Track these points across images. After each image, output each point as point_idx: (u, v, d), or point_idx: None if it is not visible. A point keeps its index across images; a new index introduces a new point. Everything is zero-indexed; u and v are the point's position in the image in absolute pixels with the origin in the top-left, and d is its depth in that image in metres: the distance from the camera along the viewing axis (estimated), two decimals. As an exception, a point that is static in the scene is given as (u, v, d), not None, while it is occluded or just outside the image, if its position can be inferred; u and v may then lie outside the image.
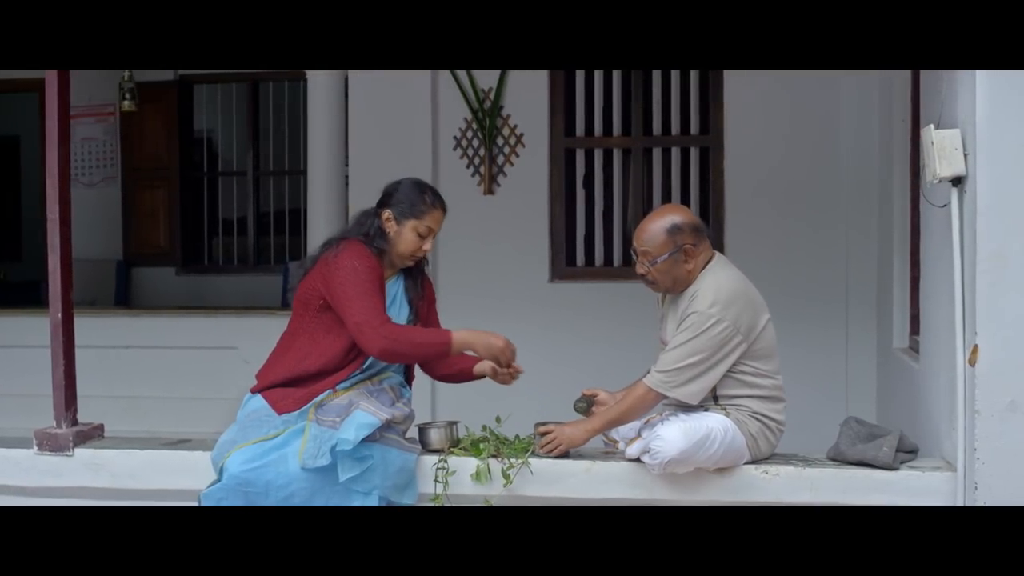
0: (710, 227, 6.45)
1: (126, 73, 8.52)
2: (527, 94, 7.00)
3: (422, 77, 6.93)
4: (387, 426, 3.59)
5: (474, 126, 7.03)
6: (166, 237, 9.55)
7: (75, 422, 4.06)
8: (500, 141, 7.02)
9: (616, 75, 7.11)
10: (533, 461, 3.70)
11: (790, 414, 3.76)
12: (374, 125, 7.01)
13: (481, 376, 3.89)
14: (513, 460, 3.69)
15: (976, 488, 3.40)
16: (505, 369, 3.79)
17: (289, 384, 3.66)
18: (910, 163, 5.30)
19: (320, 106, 6.96)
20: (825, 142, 6.65)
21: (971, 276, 3.41)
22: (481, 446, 3.78)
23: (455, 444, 3.83)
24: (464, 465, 3.74)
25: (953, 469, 3.52)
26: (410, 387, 3.91)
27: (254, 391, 3.72)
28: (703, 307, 3.54)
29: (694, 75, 7.02)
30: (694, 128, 7.04)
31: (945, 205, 3.59)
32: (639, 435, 3.68)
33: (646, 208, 7.06)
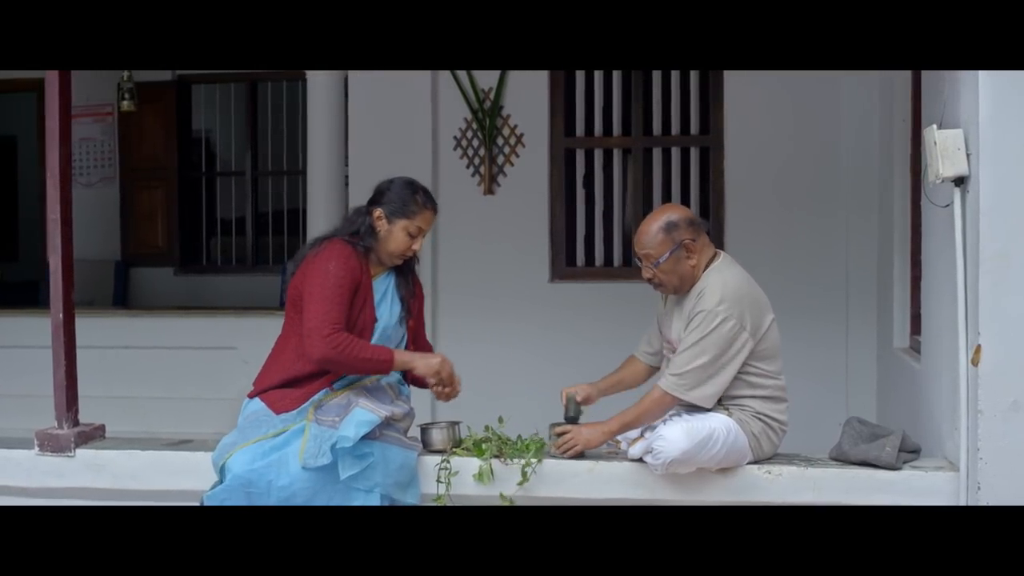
0: (710, 227, 6.45)
1: (125, 73, 8.51)
2: (527, 94, 6.99)
3: (422, 77, 6.92)
4: (387, 424, 3.60)
5: (474, 126, 7.02)
6: (164, 237, 9.53)
7: (76, 423, 4.06)
8: (500, 141, 7.01)
9: (616, 75, 7.11)
10: (534, 461, 3.70)
11: (790, 414, 3.76)
12: (374, 125, 7.01)
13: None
14: (530, 459, 3.68)
15: (979, 488, 3.41)
16: (441, 388, 3.78)
17: (285, 386, 3.67)
18: (910, 163, 5.30)
19: (320, 106, 6.95)
20: (825, 142, 6.65)
21: (974, 276, 3.41)
22: (483, 446, 3.77)
23: (457, 444, 3.83)
24: (466, 465, 3.74)
25: (956, 469, 3.53)
26: (408, 385, 3.90)
27: (251, 396, 3.73)
28: (710, 305, 3.54)
29: (694, 75, 7.02)
30: (694, 128, 7.04)
31: (948, 205, 3.59)
32: (642, 435, 3.68)
33: (646, 208, 7.05)
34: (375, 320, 3.71)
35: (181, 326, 7.36)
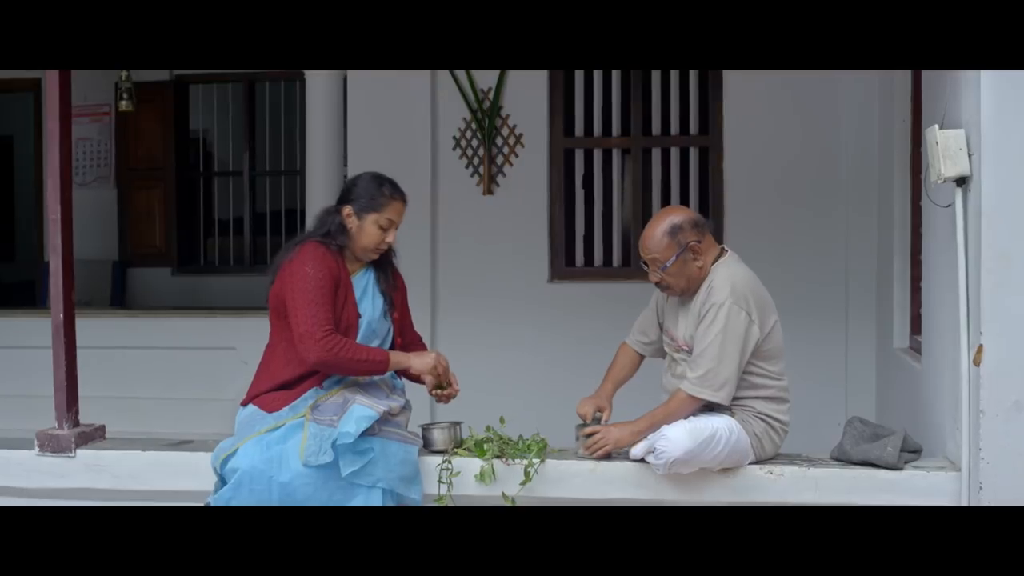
0: (713, 225, 6.45)
1: (123, 73, 8.50)
2: (526, 94, 6.99)
3: (421, 77, 6.92)
4: (385, 419, 3.61)
5: (473, 126, 7.02)
6: (162, 238, 9.53)
7: (76, 423, 4.05)
8: (499, 141, 7.01)
9: (615, 75, 7.11)
10: (537, 462, 3.70)
11: (790, 414, 3.76)
12: (373, 125, 7.01)
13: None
14: (533, 459, 3.68)
15: (981, 488, 3.41)
16: (440, 391, 3.80)
17: (275, 390, 3.68)
18: (910, 163, 5.30)
19: (319, 106, 6.95)
20: (825, 142, 6.65)
21: (975, 276, 3.41)
22: (485, 447, 3.77)
23: (458, 445, 3.83)
24: (468, 466, 3.73)
25: (958, 469, 3.53)
26: (401, 378, 3.91)
27: (244, 403, 3.74)
28: (721, 298, 3.54)
29: (693, 75, 7.02)
30: (693, 128, 7.04)
31: (949, 205, 3.59)
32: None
33: (645, 208, 7.07)
34: (359, 316, 3.72)
35: (180, 326, 7.36)
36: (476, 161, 7.03)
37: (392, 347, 3.83)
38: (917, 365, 4.59)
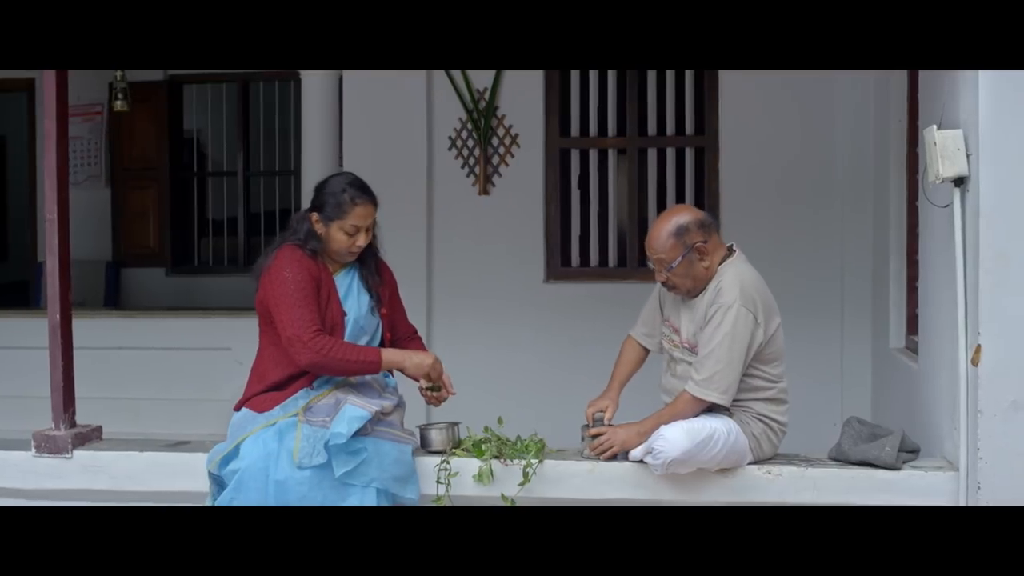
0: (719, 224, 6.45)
1: (118, 73, 8.48)
2: (522, 94, 6.98)
3: (417, 77, 6.91)
4: (377, 419, 3.61)
5: (469, 126, 7.01)
6: (156, 238, 9.50)
7: (73, 424, 4.04)
8: (495, 141, 7.00)
9: (611, 75, 7.11)
10: (535, 462, 3.69)
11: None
12: (368, 125, 6.99)
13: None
14: (531, 459, 3.68)
15: (979, 488, 3.42)
16: (432, 393, 3.80)
17: (266, 392, 3.69)
18: (906, 163, 5.31)
19: (314, 106, 6.94)
20: (821, 142, 6.65)
21: (973, 276, 3.42)
22: (483, 447, 3.77)
23: (456, 445, 3.82)
24: (466, 466, 3.73)
25: (956, 469, 3.53)
26: (393, 375, 3.90)
27: (237, 408, 3.74)
28: (730, 300, 3.53)
29: (689, 75, 7.01)
30: (689, 128, 7.04)
31: (947, 205, 3.60)
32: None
33: (641, 209, 7.07)
34: (344, 315, 3.71)
35: (175, 327, 7.33)
36: (472, 161, 7.03)
37: (381, 343, 3.83)
38: (914, 365, 4.60)
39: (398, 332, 3.94)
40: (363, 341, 3.74)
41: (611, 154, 7.19)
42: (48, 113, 3.96)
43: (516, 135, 7.00)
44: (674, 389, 3.68)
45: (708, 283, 3.64)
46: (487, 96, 6.99)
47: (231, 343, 6.79)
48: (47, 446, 3.95)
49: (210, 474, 3.67)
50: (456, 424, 3.90)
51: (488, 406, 4.06)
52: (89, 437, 4.06)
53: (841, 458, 3.71)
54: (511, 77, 6.96)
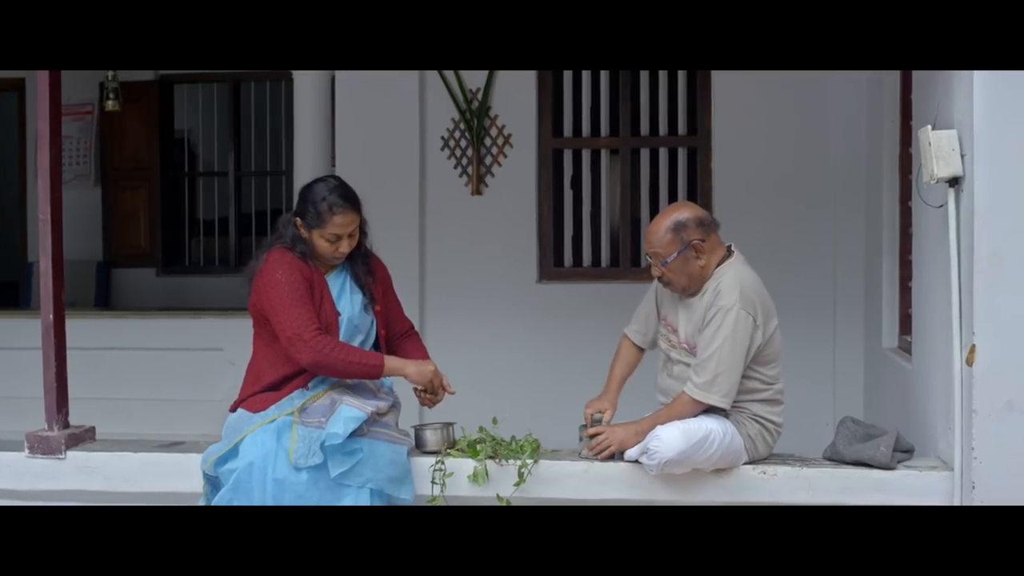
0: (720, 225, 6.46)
1: (109, 73, 8.45)
2: (515, 94, 6.98)
3: (409, 77, 6.90)
4: (373, 420, 3.61)
5: (462, 126, 7.00)
6: (146, 238, 9.47)
7: (67, 425, 4.02)
8: (488, 141, 7.00)
9: (604, 75, 7.11)
10: (530, 462, 3.69)
11: (782, 414, 3.77)
12: (361, 125, 6.99)
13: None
14: (526, 460, 3.67)
15: (974, 487, 3.42)
16: (427, 395, 3.80)
17: (261, 393, 3.69)
18: (899, 163, 5.31)
19: (306, 106, 6.92)
20: (813, 142, 6.66)
21: (968, 276, 3.43)
22: (478, 447, 3.76)
23: (451, 445, 3.82)
24: (461, 467, 3.73)
25: (950, 469, 3.54)
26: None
27: (232, 409, 3.74)
28: (729, 301, 3.53)
29: (682, 75, 7.02)
30: (682, 129, 7.04)
31: (942, 206, 3.60)
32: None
33: (634, 209, 7.08)
34: (338, 315, 3.71)
35: (167, 327, 7.32)
36: (464, 161, 7.02)
37: (376, 340, 3.83)
38: (907, 365, 4.61)
39: (394, 329, 3.93)
40: (357, 340, 3.73)
41: (604, 154, 7.19)
42: (41, 113, 3.95)
43: (509, 135, 7.00)
44: (670, 389, 3.68)
45: (705, 283, 3.64)
46: (480, 96, 6.99)
47: (223, 343, 6.78)
48: (40, 447, 3.94)
49: (204, 474, 3.66)
50: (451, 424, 3.89)
51: (481, 406, 4.05)
52: (82, 438, 4.04)
53: (836, 458, 3.71)
54: (504, 77, 6.96)
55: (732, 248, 3.73)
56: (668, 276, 3.65)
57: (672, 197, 6.97)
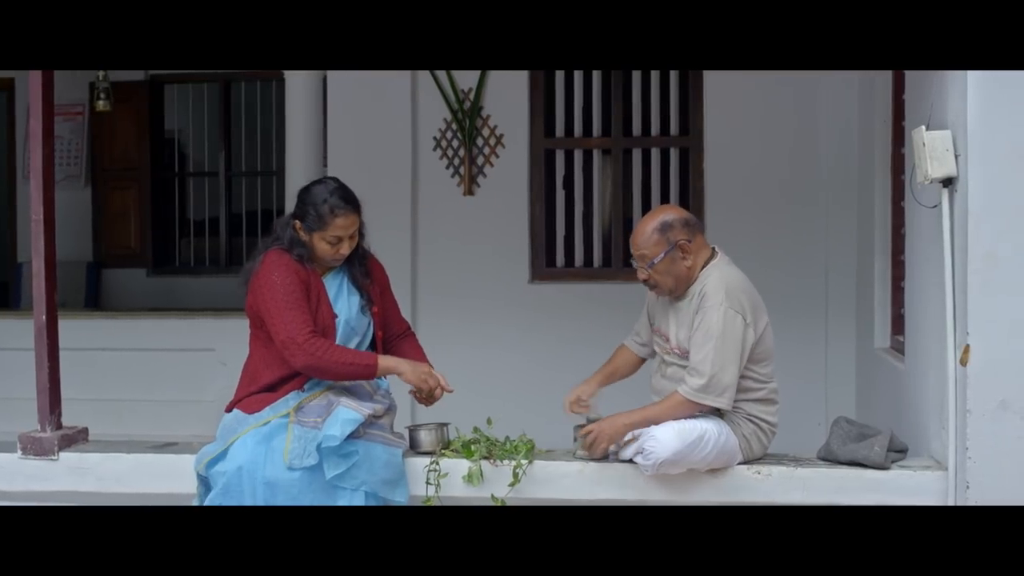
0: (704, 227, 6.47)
1: (100, 73, 8.42)
2: (507, 95, 6.97)
3: (401, 77, 6.89)
4: (369, 422, 3.60)
5: (454, 127, 7.00)
6: (136, 238, 9.44)
7: (59, 426, 4.01)
8: (480, 142, 7.00)
9: (596, 75, 7.11)
10: (525, 463, 3.69)
11: (776, 414, 3.78)
12: (353, 125, 6.97)
13: None
14: (521, 460, 3.67)
15: (968, 487, 3.43)
16: (424, 395, 3.79)
17: (256, 394, 3.69)
18: (891, 163, 5.33)
19: (298, 106, 6.89)
20: (805, 143, 6.67)
21: (962, 277, 3.44)
22: (472, 448, 3.76)
23: (446, 446, 3.81)
24: (456, 467, 3.72)
25: (944, 468, 3.55)
26: (386, 377, 3.88)
27: (228, 409, 3.73)
28: (716, 302, 3.53)
29: (674, 75, 7.02)
30: (674, 129, 7.04)
31: (935, 206, 3.61)
32: (632, 436, 3.67)
33: (626, 209, 7.08)
34: (335, 317, 3.71)
35: (158, 328, 7.28)
36: (457, 162, 7.02)
37: (373, 341, 3.82)
38: (900, 365, 4.62)
39: (391, 330, 3.93)
40: (354, 342, 3.73)
41: (596, 154, 7.19)
42: (34, 113, 3.93)
43: (501, 135, 7.00)
44: (664, 390, 3.68)
45: (691, 285, 3.65)
46: (472, 96, 6.98)
47: (215, 344, 6.77)
48: (33, 448, 3.92)
49: (198, 475, 3.65)
50: (445, 425, 3.89)
51: (474, 406, 4.05)
52: (75, 439, 4.03)
53: (830, 458, 3.72)
54: (496, 77, 6.95)
55: (716, 249, 3.74)
56: (655, 278, 3.66)
57: (664, 197, 6.98)
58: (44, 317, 3.91)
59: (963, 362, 3.42)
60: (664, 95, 7.05)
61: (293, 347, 3.52)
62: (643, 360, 3.96)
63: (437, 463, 3.72)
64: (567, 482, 3.69)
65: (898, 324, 5.09)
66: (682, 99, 7.01)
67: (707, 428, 3.54)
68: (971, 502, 3.42)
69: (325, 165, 7.01)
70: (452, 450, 3.79)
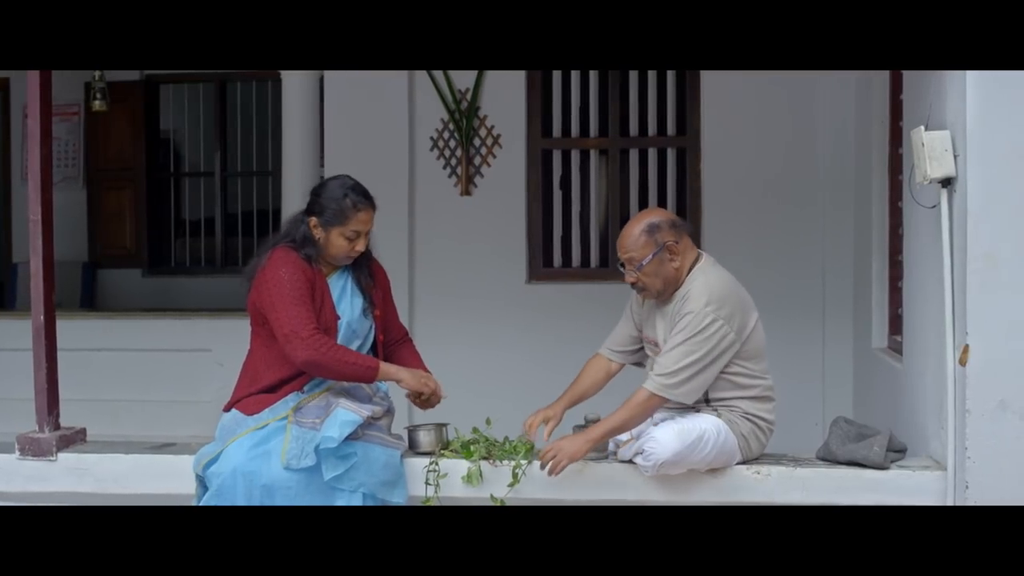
0: (691, 229, 6.47)
1: (96, 73, 8.40)
2: (504, 95, 6.97)
3: (398, 77, 6.89)
4: (368, 423, 3.59)
5: (451, 127, 6.99)
6: (132, 239, 9.43)
7: (58, 426, 4.00)
8: (477, 142, 6.99)
9: (593, 76, 7.11)
10: (524, 463, 3.69)
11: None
12: (349, 126, 6.97)
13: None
14: (520, 460, 3.66)
15: (967, 487, 3.44)
16: (422, 401, 3.80)
17: (257, 394, 3.67)
18: (889, 163, 5.33)
19: (295, 106, 6.88)
20: (802, 143, 6.68)
21: (961, 277, 3.44)
22: (472, 448, 3.76)
23: (445, 446, 3.81)
24: (455, 467, 3.72)
25: (943, 468, 3.55)
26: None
27: (226, 409, 3.72)
28: (698, 307, 3.53)
29: (671, 75, 7.03)
30: (671, 129, 7.05)
31: (934, 206, 3.61)
32: (631, 436, 3.68)
33: (623, 209, 7.08)
34: (338, 318, 3.70)
35: (154, 328, 7.27)
36: (454, 162, 7.01)
37: (374, 344, 3.82)
38: (897, 365, 4.62)
39: (391, 335, 3.92)
40: (355, 344, 3.72)
41: (593, 154, 7.19)
42: (32, 113, 3.92)
43: (498, 135, 6.99)
44: None
45: (677, 289, 3.65)
46: (469, 96, 6.98)
47: (211, 344, 6.77)
48: (31, 449, 3.91)
49: (196, 476, 3.64)
50: (444, 425, 3.89)
51: (472, 406, 4.05)
52: (73, 439, 4.02)
53: (829, 458, 3.72)
54: (493, 77, 6.95)
55: (701, 252, 3.74)
56: (643, 281, 3.65)
57: (661, 197, 6.99)
58: (42, 317, 3.91)
59: (962, 362, 3.43)
60: (661, 95, 7.05)
61: (296, 341, 3.50)
62: (611, 375, 3.94)
63: (436, 463, 3.72)
64: (567, 482, 3.67)
65: (896, 324, 5.10)
66: (679, 99, 7.02)
67: (706, 428, 3.55)
68: (970, 502, 3.43)
69: (322, 165, 7.01)
70: (451, 450, 3.79)
